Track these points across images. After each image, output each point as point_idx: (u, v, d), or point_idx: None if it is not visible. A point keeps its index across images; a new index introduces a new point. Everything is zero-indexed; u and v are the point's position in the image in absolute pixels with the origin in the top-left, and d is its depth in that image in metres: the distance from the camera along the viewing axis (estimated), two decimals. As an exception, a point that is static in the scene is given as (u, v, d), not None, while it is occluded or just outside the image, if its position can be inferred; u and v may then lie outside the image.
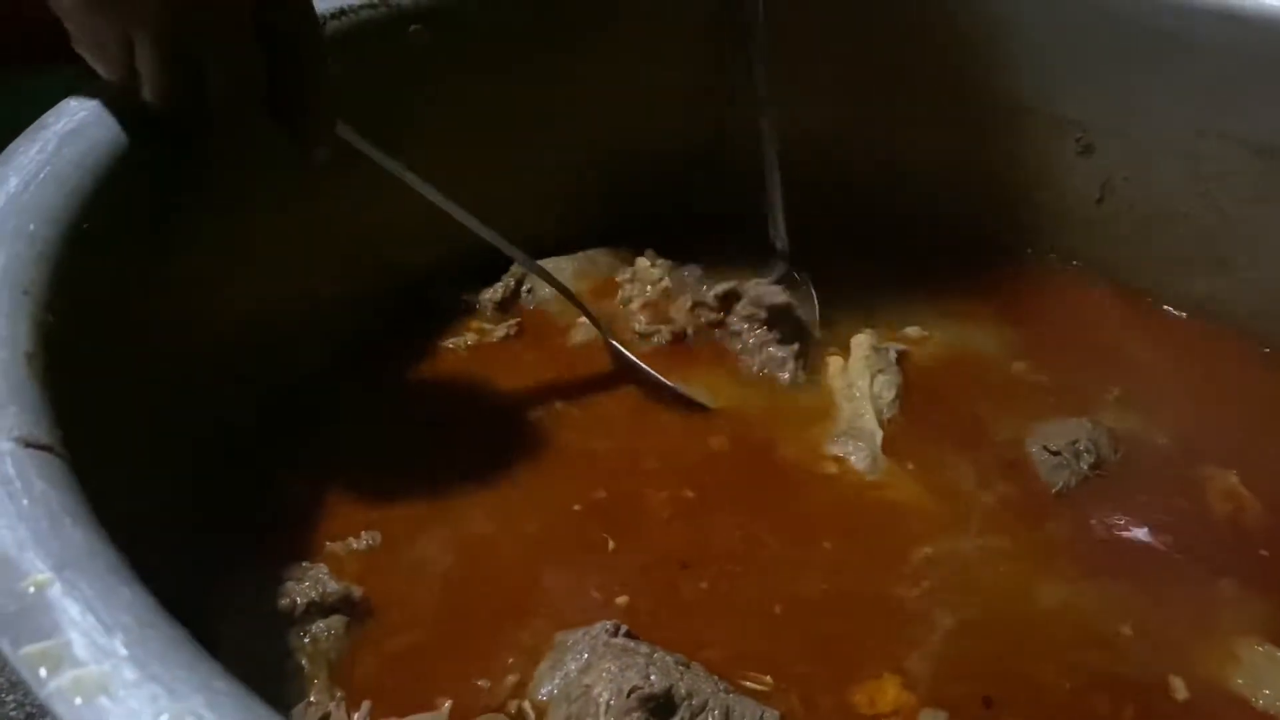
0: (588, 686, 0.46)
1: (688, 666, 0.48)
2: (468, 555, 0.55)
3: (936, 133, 0.76)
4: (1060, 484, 0.59)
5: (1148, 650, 0.51)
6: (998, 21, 0.72)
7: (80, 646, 0.27)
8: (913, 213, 0.77)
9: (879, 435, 0.60)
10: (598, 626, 0.49)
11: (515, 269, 0.72)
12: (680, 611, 0.52)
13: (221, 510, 0.53)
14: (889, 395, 0.63)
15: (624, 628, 0.50)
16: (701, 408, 0.63)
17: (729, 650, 0.50)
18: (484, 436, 0.61)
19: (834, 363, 0.65)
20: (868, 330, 0.67)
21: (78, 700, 0.26)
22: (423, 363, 0.66)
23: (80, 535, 0.31)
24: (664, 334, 0.68)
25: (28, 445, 0.34)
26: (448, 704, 0.48)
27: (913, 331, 0.69)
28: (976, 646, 0.51)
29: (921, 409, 0.63)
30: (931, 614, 0.52)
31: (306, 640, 0.50)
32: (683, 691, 0.46)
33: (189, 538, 0.48)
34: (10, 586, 0.29)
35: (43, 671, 0.27)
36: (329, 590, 0.52)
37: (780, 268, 0.72)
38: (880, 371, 0.64)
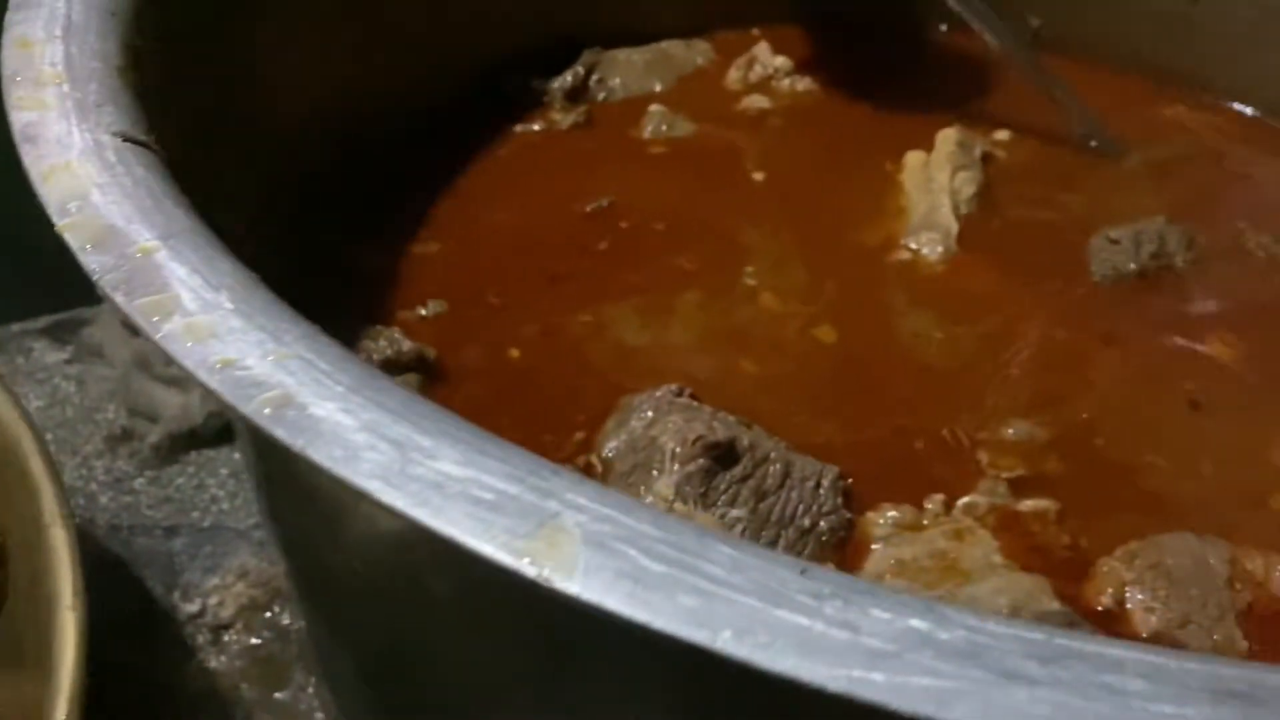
0: (653, 438, 0.47)
1: (749, 426, 0.49)
2: (539, 328, 0.56)
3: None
4: (1101, 274, 0.57)
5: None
6: None
7: (189, 300, 0.28)
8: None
9: (955, 228, 0.59)
10: (662, 389, 0.50)
11: (587, 57, 0.70)
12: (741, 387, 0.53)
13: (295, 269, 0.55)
14: (969, 191, 0.61)
15: (688, 390, 0.50)
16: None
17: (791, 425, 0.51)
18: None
19: (913, 157, 0.63)
20: (956, 125, 0.65)
21: (189, 343, 0.27)
22: (495, 145, 0.66)
23: (181, 214, 0.32)
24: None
25: (126, 139, 0.35)
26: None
27: (1003, 135, 0.67)
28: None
29: (1001, 206, 0.62)
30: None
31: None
32: (745, 443, 0.47)
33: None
34: (120, 251, 0.30)
35: (155, 318, 0.28)
36: (404, 349, 0.53)
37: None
38: (963, 168, 0.62)
